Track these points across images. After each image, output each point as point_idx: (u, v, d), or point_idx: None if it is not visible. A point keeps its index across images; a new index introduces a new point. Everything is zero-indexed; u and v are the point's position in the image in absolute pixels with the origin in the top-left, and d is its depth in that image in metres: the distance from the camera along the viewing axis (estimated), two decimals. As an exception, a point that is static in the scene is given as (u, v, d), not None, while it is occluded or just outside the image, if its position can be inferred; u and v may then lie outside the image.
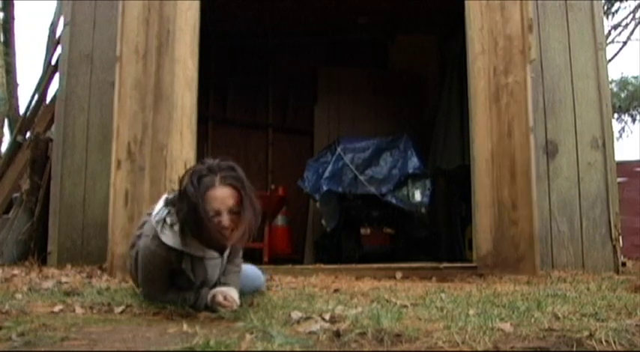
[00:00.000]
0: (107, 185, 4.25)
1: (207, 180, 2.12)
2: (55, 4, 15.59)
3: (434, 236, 6.15)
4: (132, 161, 4.19)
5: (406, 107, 7.42)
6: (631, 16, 14.95)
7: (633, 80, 16.33)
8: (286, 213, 6.82)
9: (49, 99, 5.75)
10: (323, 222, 5.90)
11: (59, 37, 5.48)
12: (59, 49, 5.23)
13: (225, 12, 6.58)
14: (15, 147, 5.71)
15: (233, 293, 2.30)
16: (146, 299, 2.40)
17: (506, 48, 4.33)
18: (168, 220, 2.20)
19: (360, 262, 5.07)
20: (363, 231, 5.74)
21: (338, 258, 5.64)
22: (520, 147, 4.21)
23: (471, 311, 2.19)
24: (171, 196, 2.28)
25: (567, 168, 4.71)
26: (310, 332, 1.73)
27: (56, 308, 2.29)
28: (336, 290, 3.11)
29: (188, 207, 2.10)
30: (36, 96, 5.89)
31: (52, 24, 11.69)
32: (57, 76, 5.17)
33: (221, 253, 2.34)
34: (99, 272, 3.96)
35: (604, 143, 4.73)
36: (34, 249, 4.82)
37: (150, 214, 2.34)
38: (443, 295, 2.82)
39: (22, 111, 8.07)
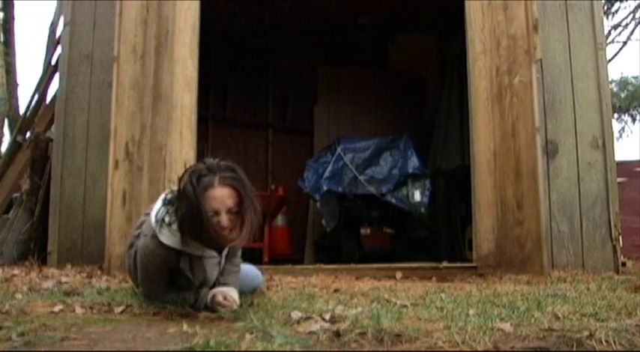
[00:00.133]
0: (107, 185, 4.25)
1: (206, 180, 2.12)
2: (55, 4, 15.60)
3: (434, 236, 6.15)
4: (130, 161, 4.19)
5: (406, 107, 7.42)
6: (631, 16, 14.97)
7: (633, 80, 16.35)
8: (286, 213, 6.82)
9: (49, 99, 5.75)
10: (323, 222, 5.90)
11: (59, 37, 5.48)
12: (59, 49, 5.23)
13: (225, 12, 6.59)
14: (15, 147, 5.71)
15: (233, 293, 2.30)
16: (146, 299, 2.40)
17: (510, 48, 4.32)
18: (166, 219, 2.20)
19: (360, 262, 5.07)
20: (363, 231, 5.74)
21: (338, 258, 5.64)
22: (526, 147, 4.20)
23: (471, 311, 2.19)
24: (170, 195, 2.27)
25: (567, 168, 4.71)
26: (310, 332, 1.73)
27: (56, 308, 2.29)
28: (336, 290, 3.11)
29: (187, 206, 2.10)
30: (36, 96, 5.89)
31: (52, 24, 11.70)
32: (57, 76, 5.17)
33: (219, 252, 2.34)
34: (99, 272, 3.96)
35: (604, 143, 4.73)
36: (34, 249, 4.82)
37: (148, 214, 2.34)
38: (443, 295, 2.82)
39: (22, 111, 8.07)
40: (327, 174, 5.69)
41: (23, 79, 34.61)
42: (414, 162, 5.68)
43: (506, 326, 1.80)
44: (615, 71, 23.77)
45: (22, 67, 31.62)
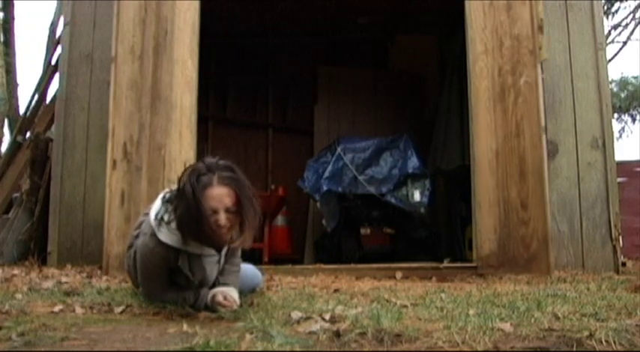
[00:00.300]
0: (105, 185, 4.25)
1: (205, 179, 2.13)
2: (55, 4, 15.60)
3: (434, 236, 6.15)
4: (128, 161, 4.19)
5: (406, 107, 7.41)
6: (631, 16, 14.98)
7: (633, 80, 16.34)
8: (286, 213, 6.82)
9: (49, 99, 5.75)
10: (323, 222, 5.90)
11: (59, 37, 5.48)
12: (59, 49, 5.22)
13: (225, 12, 6.59)
14: (15, 147, 5.70)
15: (233, 293, 2.30)
16: (146, 299, 2.40)
17: (514, 48, 4.32)
18: (165, 217, 2.20)
19: (360, 262, 5.07)
20: (363, 231, 5.74)
21: (338, 258, 5.63)
22: (531, 147, 4.20)
23: (471, 311, 2.19)
24: (169, 194, 2.28)
25: (567, 168, 4.71)
26: (310, 332, 1.73)
27: (56, 308, 2.29)
28: (336, 290, 3.11)
29: (185, 204, 2.11)
30: (36, 96, 5.89)
31: (52, 24, 11.70)
32: (57, 76, 5.17)
33: (218, 251, 2.34)
34: (99, 272, 3.96)
35: (604, 143, 4.73)
36: (34, 249, 4.82)
37: (147, 214, 2.34)
38: (443, 295, 2.82)
39: (22, 111, 8.07)
40: (327, 174, 5.69)
41: (23, 79, 34.65)
42: (414, 162, 5.68)
43: (506, 326, 1.80)
44: (615, 71, 23.84)
45: (22, 67, 31.66)
